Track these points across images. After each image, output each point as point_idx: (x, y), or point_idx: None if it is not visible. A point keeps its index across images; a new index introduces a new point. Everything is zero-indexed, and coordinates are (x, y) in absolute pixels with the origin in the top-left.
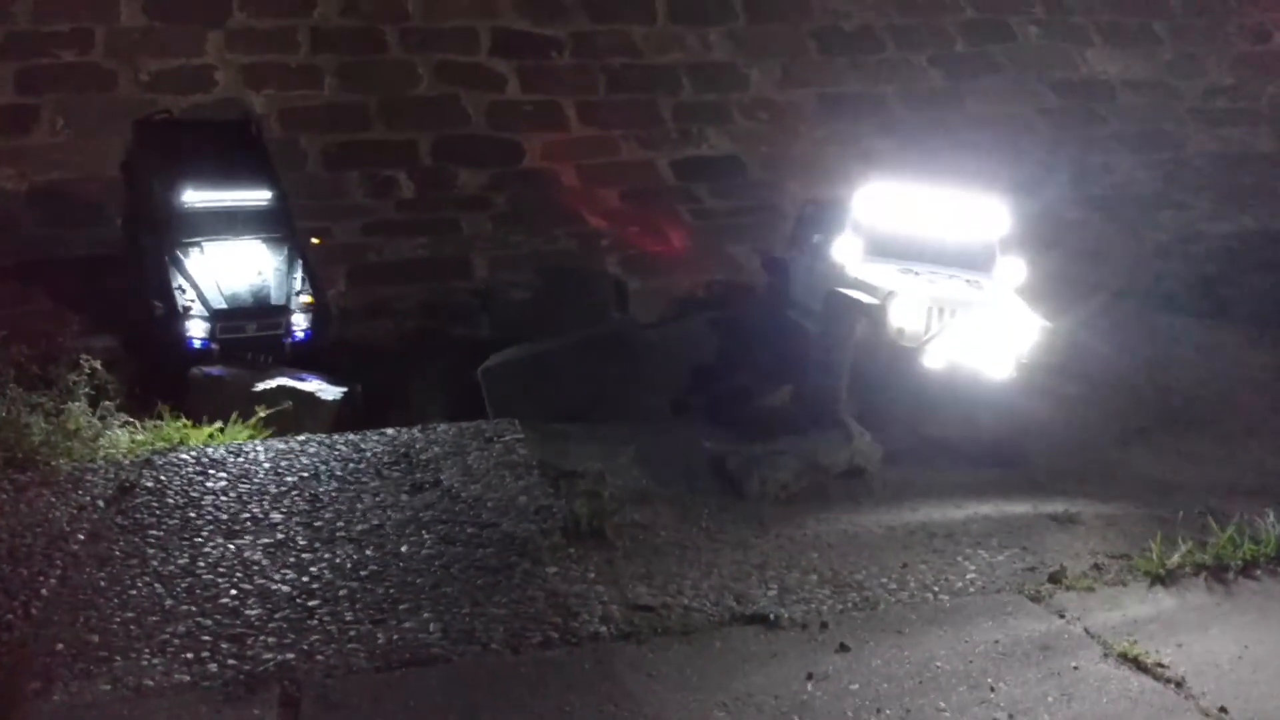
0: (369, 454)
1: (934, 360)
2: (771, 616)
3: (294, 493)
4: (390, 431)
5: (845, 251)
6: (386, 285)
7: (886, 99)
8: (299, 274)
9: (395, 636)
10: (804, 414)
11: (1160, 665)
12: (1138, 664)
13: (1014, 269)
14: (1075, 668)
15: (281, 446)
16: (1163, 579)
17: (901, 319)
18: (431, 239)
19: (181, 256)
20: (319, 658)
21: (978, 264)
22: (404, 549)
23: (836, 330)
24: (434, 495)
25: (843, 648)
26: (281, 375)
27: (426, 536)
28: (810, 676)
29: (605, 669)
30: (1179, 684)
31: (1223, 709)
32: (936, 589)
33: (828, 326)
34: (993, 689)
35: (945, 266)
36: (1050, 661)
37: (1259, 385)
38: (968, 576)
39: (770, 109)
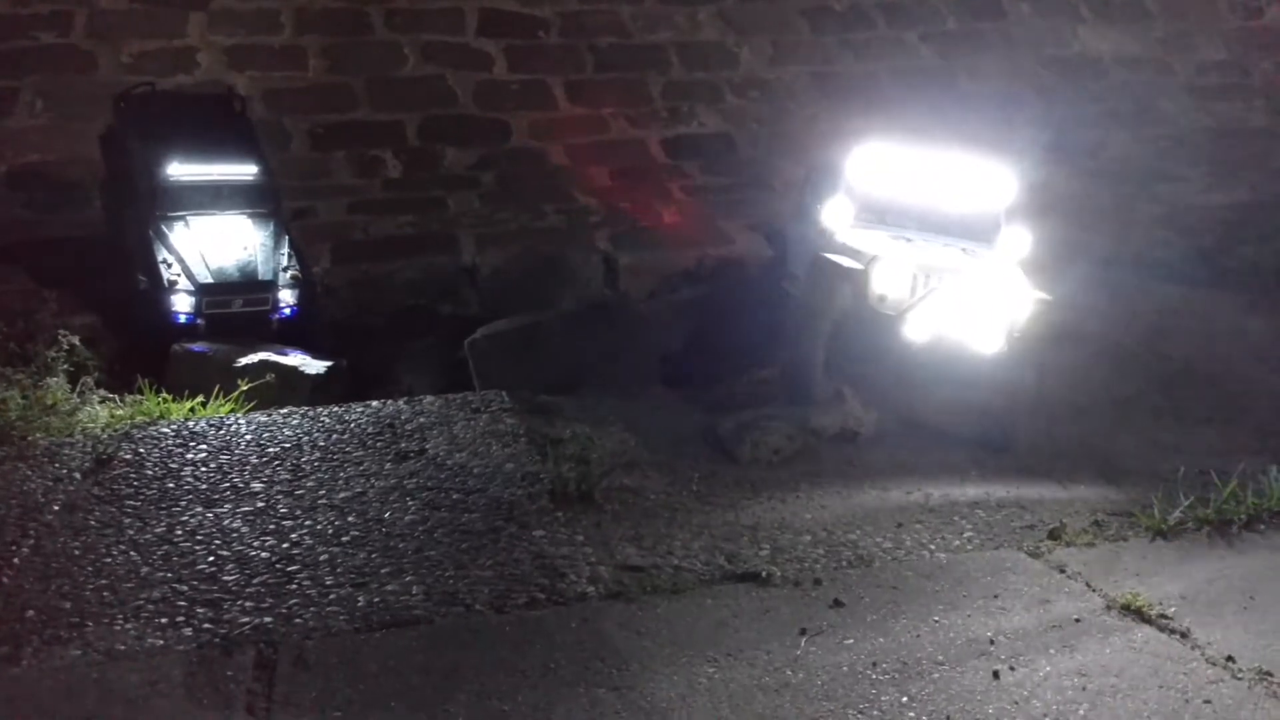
0: (353, 425)
1: (918, 330)
2: (763, 574)
3: (275, 463)
4: (375, 403)
5: (835, 216)
6: (373, 262)
7: (878, 77)
8: (285, 250)
9: (376, 599)
10: (783, 385)
11: (1164, 616)
12: (1141, 615)
13: (1018, 240)
14: (1077, 620)
15: (263, 419)
16: (1165, 534)
17: (885, 285)
18: (418, 217)
19: (166, 230)
20: (298, 621)
21: (979, 233)
22: (387, 515)
23: (816, 296)
24: (419, 464)
25: (837, 603)
26: (265, 350)
27: (410, 503)
28: (804, 632)
29: (592, 627)
30: (1184, 634)
31: (1229, 658)
32: (933, 547)
33: (809, 293)
34: (992, 642)
35: (943, 234)
36: (1051, 615)
37: (1256, 350)
38: (965, 535)
39: (761, 87)
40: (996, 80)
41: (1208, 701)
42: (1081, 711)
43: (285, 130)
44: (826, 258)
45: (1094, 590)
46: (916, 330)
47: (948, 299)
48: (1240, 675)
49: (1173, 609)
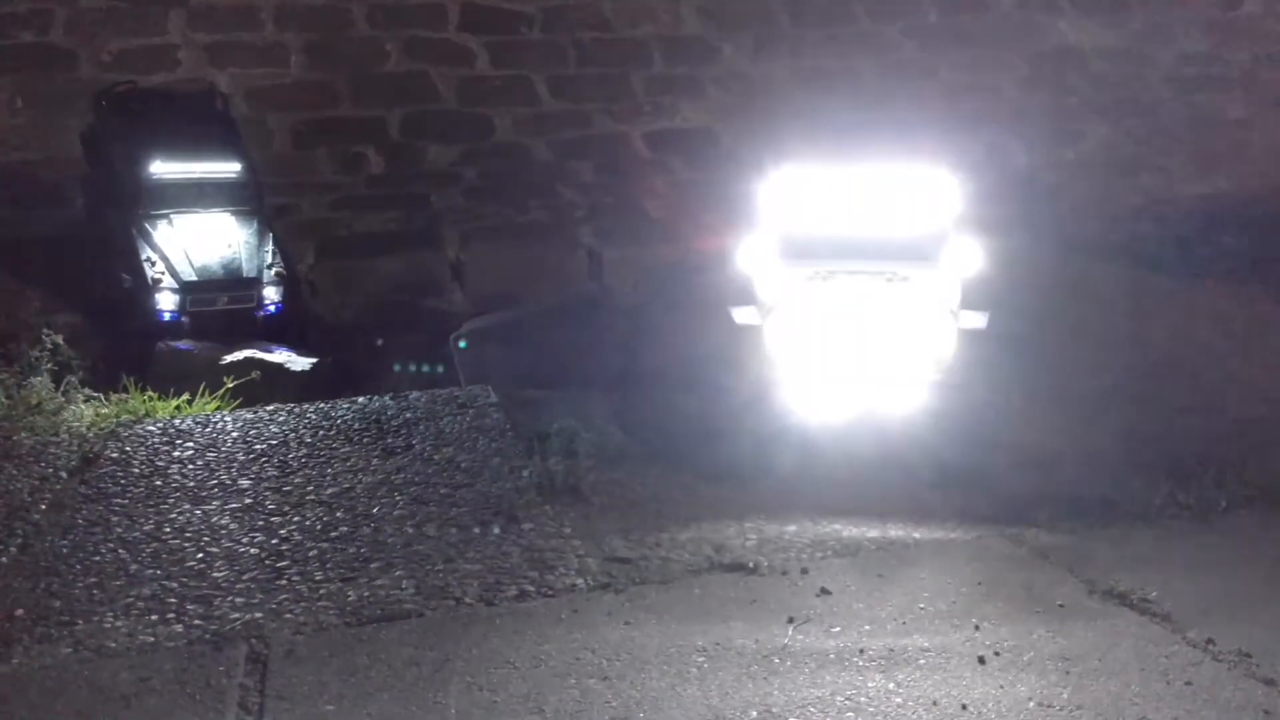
0: (339, 421)
1: (829, 392)
2: (750, 564)
3: (263, 460)
4: (361, 400)
5: (751, 256)
6: (357, 259)
7: (860, 71)
8: (269, 247)
9: (366, 594)
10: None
11: (1146, 600)
12: (1123, 599)
13: (965, 254)
14: (1060, 605)
15: (250, 416)
16: (1146, 518)
17: (783, 342)
18: (402, 213)
19: (149, 228)
20: (288, 616)
21: (920, 252)
22: (375, 510)
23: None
24: (406, 459)
25: (824, 591)
26: (250, 347)
27: (398, 498)
28: (791, 620)
29: (581, 618)
30: (1165, 617)
31: (1210, 641)
32: (918, 535)
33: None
34: (977, 627)
35: (878, 260)
36: (1034, 600)
37: (1235, 338)
38: (948, 522)
39: (743, 82)
40: (978, 74)
41: (1189, 683)
42: (1065, 695)
43: (267, 127)
44: (729, 312)
45: (1076, 575)
46: (829, 392)
47: (865, 347)
48: (1221, 658)
49: (1154, 593)
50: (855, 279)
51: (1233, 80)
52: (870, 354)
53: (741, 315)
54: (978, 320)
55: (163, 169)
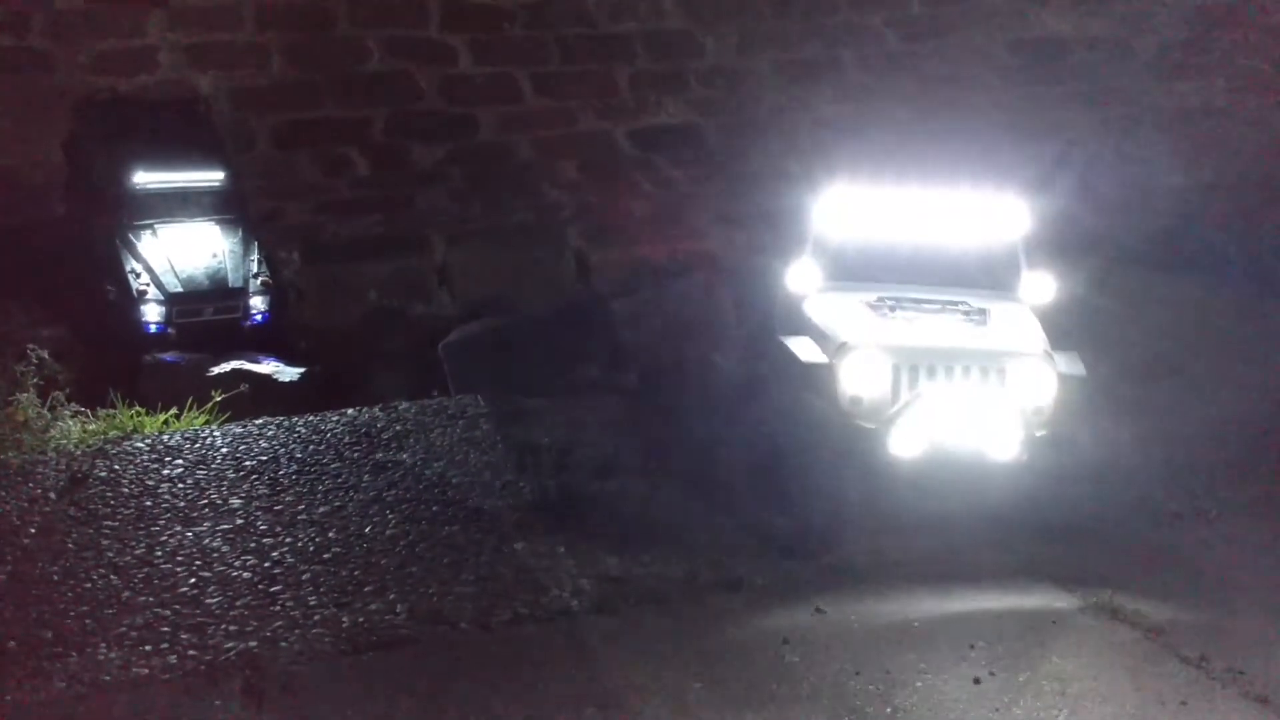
0: (329, 435)
1: (905, 444)
2: (745, 582)
3: (253, 477)
4: (350, 411)
5: (803, 278)
6: (343, 264)
7: (842, 63)
8: (255, 255)
9: (361, 619)
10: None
11: (1140, 615)
12: (1116, 615)
13: (1039, 285)
14: (1054, 622)
15: (239, 431)
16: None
17: (858, 384)
18: (387, 216)
19: (133, 239)
20: (283, 644)
21: (991, 281)
22: (368, 530)
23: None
24: (397, 474)
25: (819, 611)
26: (238, 358)
27: (390, 516)
28: (786, 641)
29: (577, 643)
30: (1160, 632)
31: (1203, 657)
32: (914, 557)
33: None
34: (972, 646)
35: (944, 288)
36: (1029, 617)
37: (1221, 334)
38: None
39: (727, 76)
40: (960, 64)
41: (1184, 703)
42: (1061, 717)
43: (250, 129)
44: (783, 344)
45: (1070, 593)
46: (904, 444)
47: (947, 397)
48: (1215, 676)
49: (1148, 609)
50: (930, 312)
51: (1214, 69)
52: (964, 401)
53: (806, 351)
54: (1075, 366)
55: (145, 179)
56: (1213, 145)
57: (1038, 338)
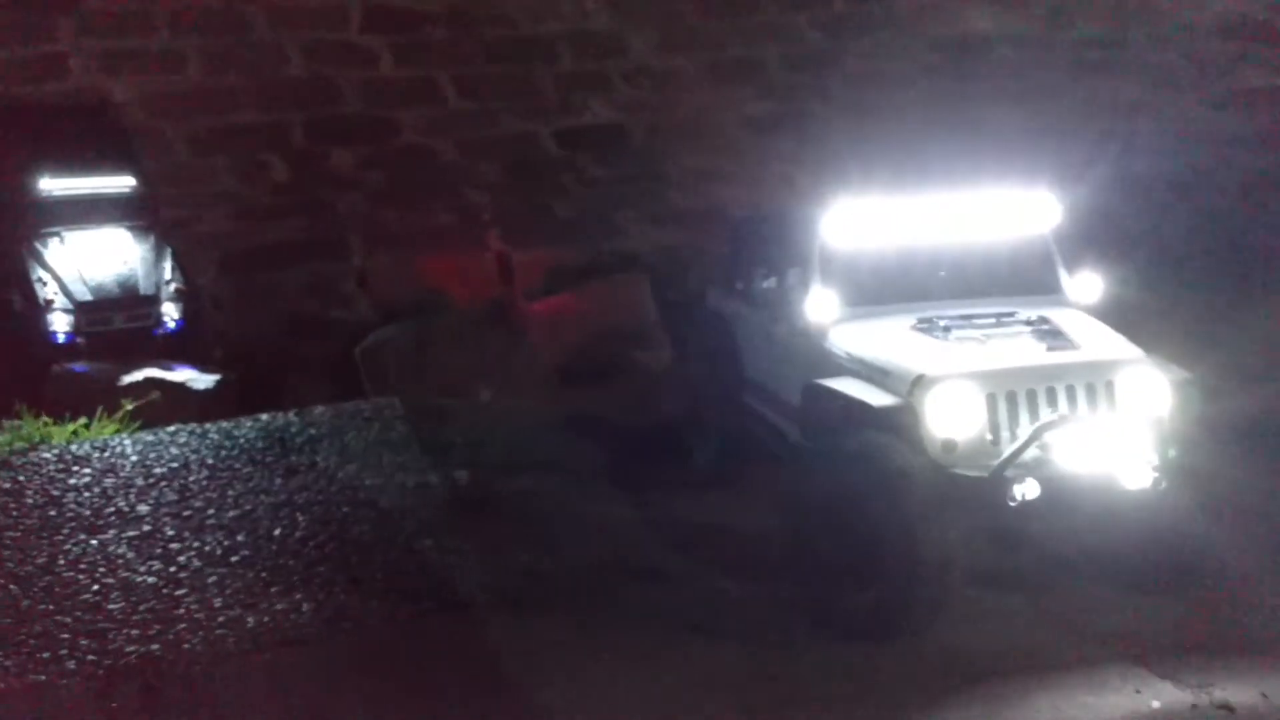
0: (242, 440)
1: (1020, 489)
2: (659, 571)
3: (162, 484)
4: (265, 417)
5: (823, 307)
6: (261, 270)
7: (766, 62)
8: (168, 262)
9: (266, 619)
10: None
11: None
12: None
13: (1084, 285)
14: None
15: (150, 439)
16: None
17: (950, 425)
18: (306, 221)
19: (40, 247)
20: (185, 646)
21: (1028, 284)
22: (277, 532)
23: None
24: (309, 477)
25: (722, 593)
26: (150, 367)
27: (300, 519)
28: (696, 629)
29: (482, 636)
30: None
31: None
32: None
33: (820, 444)
34: None
35: (980, 298)
36: None
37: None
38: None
39: (651, 76)
40: (884, 62)
41: None
42: None
43: (165, 137)
44: (833, 390)
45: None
46: (1022, 488)
47: (1068, 428)
48: None
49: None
50: (988, 328)
51: (1130, 64)
52: (1084, 427)
53: (869, 394)
54: (1176, 370)
55: (52, 186)
56: (1132, 137)
57: (1125, 342)
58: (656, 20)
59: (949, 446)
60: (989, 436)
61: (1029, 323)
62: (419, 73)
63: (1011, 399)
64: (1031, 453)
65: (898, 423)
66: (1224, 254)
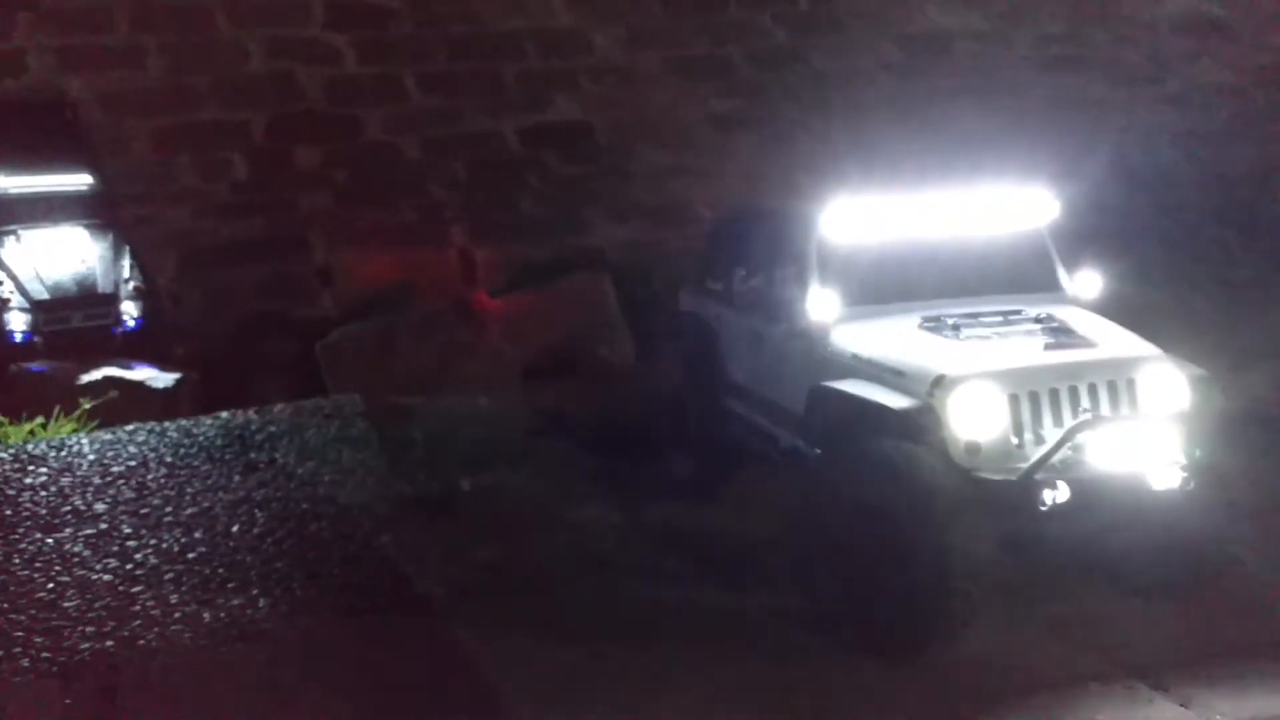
0: (201, 438)
1: (1048, 493)
2: (619, 564)
3: (120, 482)
4: (224, 415)
5: (824, 306)
6: (222, 268)
7: (732, 60)
8: (126, 260)
9: (223, 615)
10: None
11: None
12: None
13: (1082, 280)
14: None
15: (108, 437)
16: None
17: (973, 426)
18: (268, 219)
19: None
20: (141, 643)
21: (1026, 281)
22: (234, 529)
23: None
24: (268, 474)
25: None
26: (109, 365)
27: (259, 515)
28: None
29: (440, 630)
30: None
31: None
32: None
33: (834, 450)
34: None
35: (982, 296)
36: None
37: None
38: None
39: (617, 73)
40: (847, 59)
41: None
42: None
43: (125, 134)
44: (844, 393)
45: None
46: (1053, 491)
47: (1098, 425)
48: None
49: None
50: (996, 326)
51: (1093, 61)
52: (1112, 427)
53: (886, 396)
54: (1191, 366)
55: (7, 183)
56: (1093, 134)
57: (1139, 339)
58: (622, 18)
59: (972, 449)
60: (1013, 438)
61: (1038, 320)
62: (383, 70)
63: (1034, 399)
64: (1058, 453)
65: (918, 425)
66: (1184, 248)
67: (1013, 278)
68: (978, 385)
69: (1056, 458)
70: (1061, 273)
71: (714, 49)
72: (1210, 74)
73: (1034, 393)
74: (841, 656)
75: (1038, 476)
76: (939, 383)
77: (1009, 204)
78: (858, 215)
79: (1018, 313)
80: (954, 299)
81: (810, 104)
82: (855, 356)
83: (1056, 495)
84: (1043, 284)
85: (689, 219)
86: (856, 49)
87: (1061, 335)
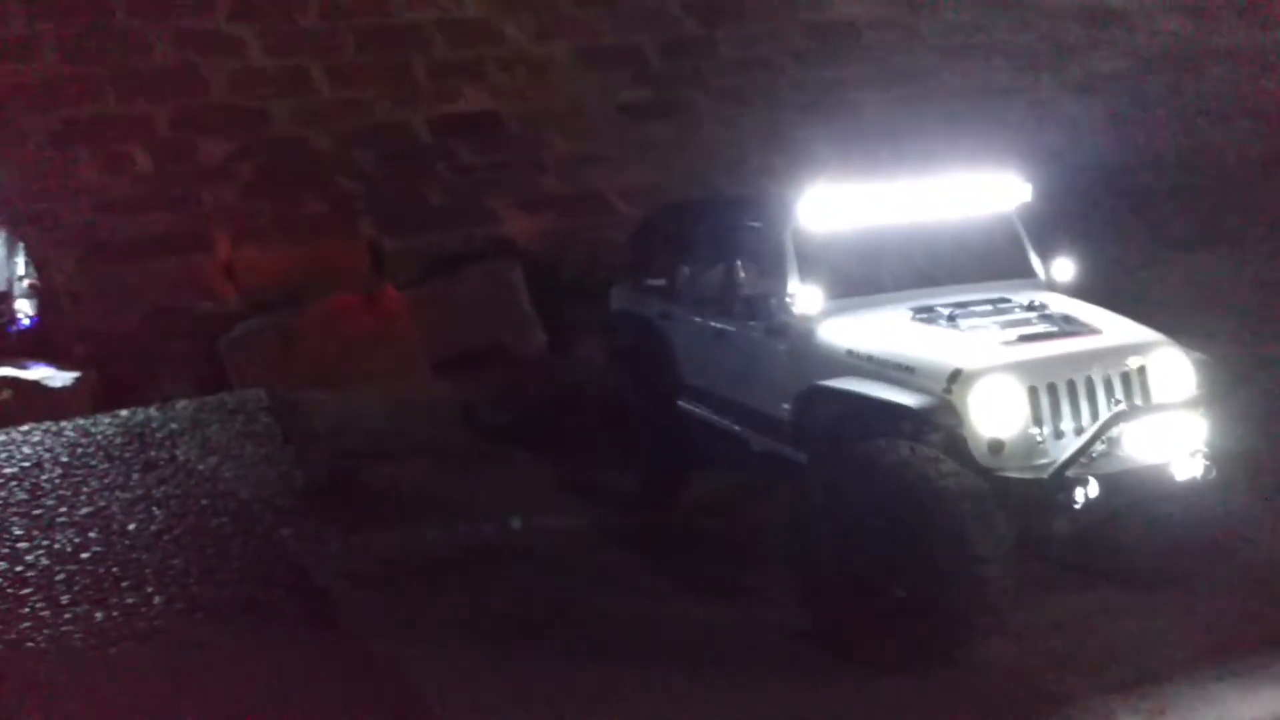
0: (99, 437)
1: (1085, 488)
2: (523, 548)
3: (12, 484)
4: (124, 413)
5: (806, 300)
6: (123, 264)
7: (642, 48)
8: (20, 258)
9: (115, 614)
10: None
11: None
12: None
13: (1056, 266)
14: None
15: (1, 439)
16: None
17: (995, 423)
18: (171, 215)
19: None
20: (29, 645)
21: (1000, 268)
22: (131, 527)
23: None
24: (168, 471)
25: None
26: (3, 365)
27: (157, 513)
28: (561, 615)
29: (335, 619)
30: None
31: None
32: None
33: (840, 454)
34: None
35: (963, 284)
36: None
37: None
38: None
39: (526, 63)
40: (756, 47)
41: None
42: None
43: (20, 128)
44: (846, 392)
45: None
46: (1084, 489)
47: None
48: None
49: None
50: (988, 315)
51: (995, 49)
52: (1139, 417)
53: (896, 393)
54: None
55: None
56: (997, 121)
57: (1136, 324)
58: (531, 7)
59: (995, 447)
60: (1036, 434)
61: (1030, 308)
62: (290, 61)
63: (1052, 391)
64: (1097, 454)
65: (935, 424)
66: (1078, 233)
67: (987, 264)
68: (999, 379)
69: (1091, 459)
70: (1034, 258)
71: (624, 38)
72: (1109, 62)
73: (1052, 384)
74: (860, 675)
75: (1069, 474)
76: (956, 377)
77: (978, 190)
78: (831, 203)
79: (1006, 301)
80: (932, 288)
81: (721, 93)
82: (850, 353)
83: (1089, 491)
84: (1016, 270)
85: (601, 209)
86: (766, 37)
87: (1061, 323)
